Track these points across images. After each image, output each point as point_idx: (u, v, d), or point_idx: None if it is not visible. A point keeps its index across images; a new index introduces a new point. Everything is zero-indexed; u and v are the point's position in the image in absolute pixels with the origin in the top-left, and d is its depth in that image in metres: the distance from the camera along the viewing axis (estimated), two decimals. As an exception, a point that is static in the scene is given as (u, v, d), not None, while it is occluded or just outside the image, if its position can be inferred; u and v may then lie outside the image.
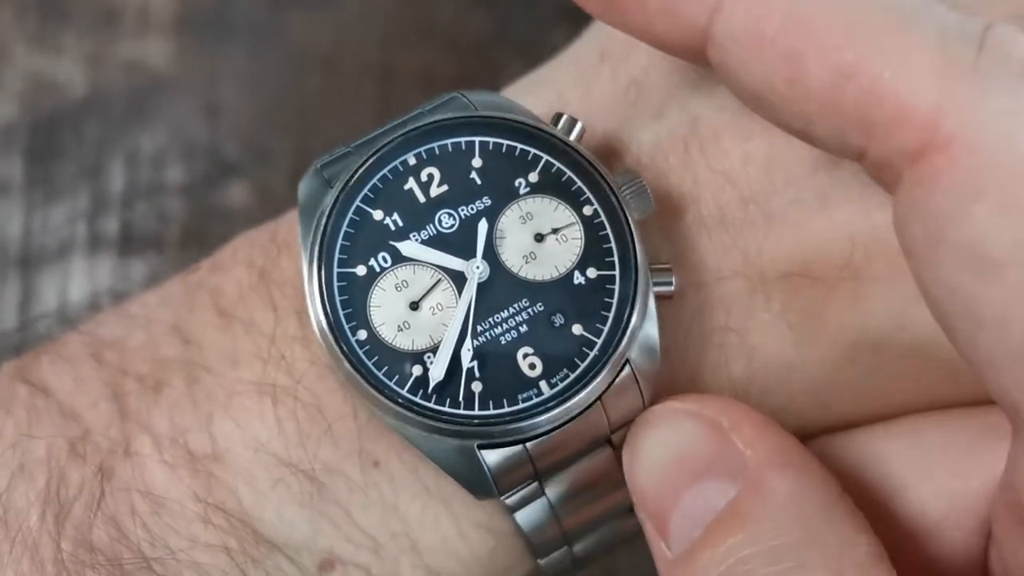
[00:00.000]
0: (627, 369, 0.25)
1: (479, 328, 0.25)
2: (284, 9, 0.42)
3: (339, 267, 0.25)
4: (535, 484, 0.26)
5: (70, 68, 0.42)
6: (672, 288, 0.25)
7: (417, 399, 0.25)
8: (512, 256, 0.26)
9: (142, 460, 0.25)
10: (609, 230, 0.26)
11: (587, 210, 0.26)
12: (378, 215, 0.26)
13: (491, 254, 0.26)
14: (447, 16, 0.42)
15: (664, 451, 0.25)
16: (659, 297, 0.25)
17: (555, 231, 0.26)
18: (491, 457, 0.25)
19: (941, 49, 0.20)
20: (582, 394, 0.25)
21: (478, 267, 0.25)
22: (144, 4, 0.42)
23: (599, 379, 0.25)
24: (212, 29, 0.42)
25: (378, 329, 0.25)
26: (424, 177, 0.26)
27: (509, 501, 0.26)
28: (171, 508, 0.25)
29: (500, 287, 0.25)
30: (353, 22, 0.42)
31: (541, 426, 0.25)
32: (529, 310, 0.25)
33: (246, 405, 0.26)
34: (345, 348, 0.25)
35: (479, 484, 0.25)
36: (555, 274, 0.25)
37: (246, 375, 0.26)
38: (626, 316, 0.25)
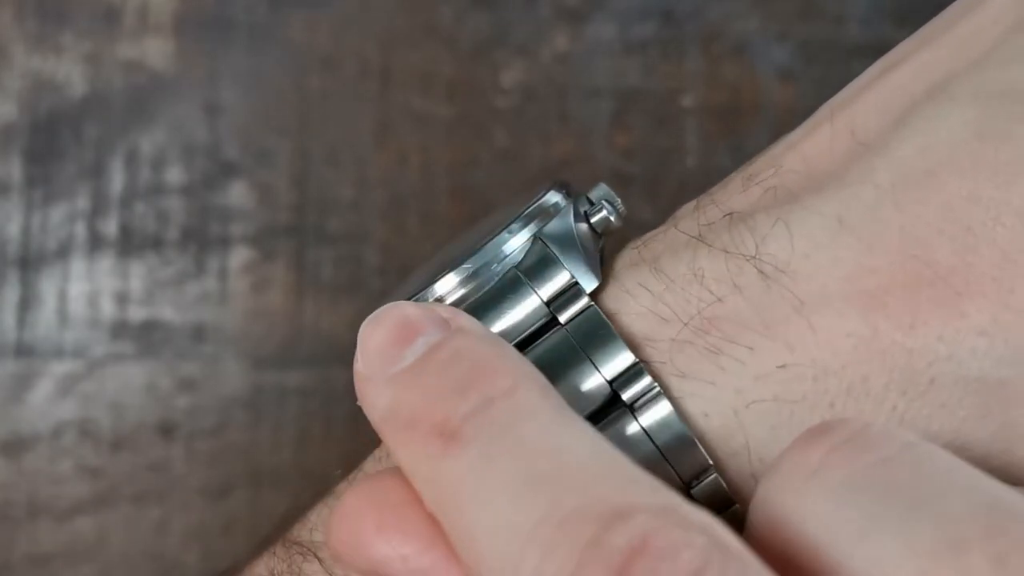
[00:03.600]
0: None
1: None
2: (284, 9, 0.42)
3: None
4: None
5: (69, 68, 0.42)
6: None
7: None
8: None
9: None
10: None
11: None
12: None
13: None
14: (447, 16, 0.42)
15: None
16: None
17: None
18: None
19: None
20: None
21: None
22: (143, 4, 0.42)
23: None
24: (212, 29, 0.42)
25: None
26: None
27: None
28: None
29: None
30: (353, 22, 0.42)
31: None
32: None
33: None
34: None
35: None
36: None
37: None
38: None
